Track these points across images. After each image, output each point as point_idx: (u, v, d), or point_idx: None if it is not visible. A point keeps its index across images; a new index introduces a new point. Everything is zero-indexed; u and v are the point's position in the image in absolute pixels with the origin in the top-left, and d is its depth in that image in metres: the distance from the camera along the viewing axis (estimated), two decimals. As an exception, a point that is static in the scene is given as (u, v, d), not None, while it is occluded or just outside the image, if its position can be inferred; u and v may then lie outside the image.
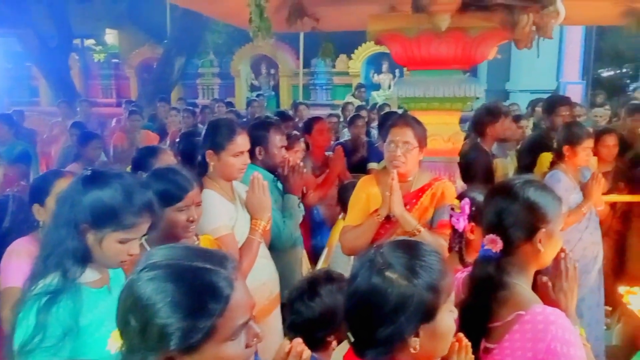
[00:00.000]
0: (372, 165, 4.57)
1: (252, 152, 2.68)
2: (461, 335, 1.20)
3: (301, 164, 2.91)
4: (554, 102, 4.52)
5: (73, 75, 11.77)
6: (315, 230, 3.88)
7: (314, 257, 3.68)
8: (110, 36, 17.81)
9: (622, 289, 2.94)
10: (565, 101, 4.56)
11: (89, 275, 1.44)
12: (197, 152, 2.54)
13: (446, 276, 1.13)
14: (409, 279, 1.09)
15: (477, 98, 3.30)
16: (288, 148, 3.26)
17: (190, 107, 7.42)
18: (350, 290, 1.14)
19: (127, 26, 14.90)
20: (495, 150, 4.58)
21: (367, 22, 3.21)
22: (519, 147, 4.90)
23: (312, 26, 3.61)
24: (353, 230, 2.50)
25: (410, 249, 1.15)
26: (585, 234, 3.41)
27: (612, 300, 3.83)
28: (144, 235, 1.47)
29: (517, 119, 5.38)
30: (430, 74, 3.23)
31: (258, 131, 2.90)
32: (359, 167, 4.57)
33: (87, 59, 13.80)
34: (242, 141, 2.42)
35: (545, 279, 1.52)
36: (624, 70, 16.08)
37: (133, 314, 0.94)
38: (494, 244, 1.40)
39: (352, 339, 1.13)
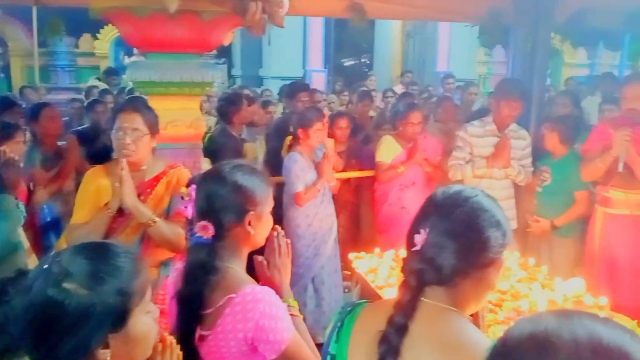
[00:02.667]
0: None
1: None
2: (165, 335, 1.16)
3: (16, 157, 2.53)
4: (294, 89, 4.84)
5: None
6: (47, 230, 3.46)
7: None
8: None
9: (351, 255, 3.29)
10: (304, 87, 4.92)
11: None
12: None
13: (138, 277, 1.07)
14: (90, 287, 1.00)
15: (224, 83, 3.29)
16: (6, 138, 2.83)
17: None
18: (25, 304, 1.00)
19: None
20: (245, 134, 4.72)
21: (92, -2, 2.93)
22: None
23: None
24: (82, 228, 2.28)
25: (95, 253, 1.06)
26: (320, 208, 3.74)
27: (350, 265, 4.31)
28: None
29: (265, 104, 5.62)
30: (166, 57, 3.12)
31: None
32: (102, 157, 4.21)
33: None
34: None
35: (260, 258, 1.58)
36: (362, 60, 18.17)
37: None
38: (206, 231, 1.39)
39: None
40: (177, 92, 3.17)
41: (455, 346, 1.07)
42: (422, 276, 1.12)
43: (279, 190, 3.89)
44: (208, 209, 1.42)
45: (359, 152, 4.73)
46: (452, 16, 5.15)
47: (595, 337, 0.62)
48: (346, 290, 4.31)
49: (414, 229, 1.16)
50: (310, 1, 4.00)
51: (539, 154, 3.85)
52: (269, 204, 1.52)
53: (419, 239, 1.13)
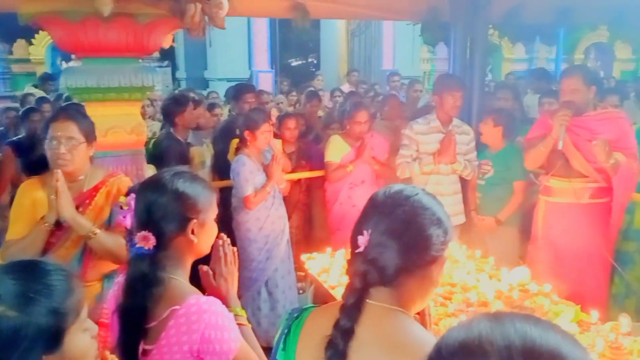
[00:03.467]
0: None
1: None
2: (106, 354, 1.11)
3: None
4: (239, 90, 4.78)
5: None
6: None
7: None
8: None
9: (304, 256, 3.27)
10: (250, 89, 4.86)
11: None
12: None
13: (72, 294, 1.02)
14: (20, 309, 0.94)
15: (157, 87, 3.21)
16: None
17: None
18: None
19: None
20: (192, 138, 4.62)
21: (20, 3, 2.79)
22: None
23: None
24: (17, 244, 2.17)
25: (24, 272, 1.00)
26: (271, 210, 3.71)
27: (303, 266, 4.30)
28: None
29: (211, 107, 5.53)
30: (103, 62, 3.00)
31: None
32: (39, 168, 4.02)
33: None
34: None
35: (205, 267, 1.54)
36: (310, 59, 18.22)
37: None
38: (146, 241, 1.34)
39: None
40: (116, 98, 3.06)
41: (402, 347, 1.07)
42: (366, 278, 1.12)
43: (228, 194, 3.84)
44: (148, 219, 1.37)
45: (308, 152, 4.72)
46: (393, 15, 5.22)
47: (528, 340, 0.61)
48: (301, 291, 4.30)
49: (357, 231, 1.16)
50: (252, 2, 3.96)
51: (477, 148, 3.96)
52: (213, 211, 1.48)
53: (362, 240, 1.13)
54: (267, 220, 3.69)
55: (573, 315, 2.36)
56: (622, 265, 3.61)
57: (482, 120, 3.91)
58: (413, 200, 1.15)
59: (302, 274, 4.41)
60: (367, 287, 1.12)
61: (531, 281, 2.75)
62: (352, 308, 1.10)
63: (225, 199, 3.99)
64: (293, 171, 4.42)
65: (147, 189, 1.41)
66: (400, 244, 1.11)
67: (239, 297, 3.96)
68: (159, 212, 1.37)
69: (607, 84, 7.91)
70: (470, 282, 2.76)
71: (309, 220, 4.84)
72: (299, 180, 4.60)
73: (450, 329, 0.69)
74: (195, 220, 1.41)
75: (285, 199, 4.02)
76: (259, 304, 3.77)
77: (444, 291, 2.66)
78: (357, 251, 1.14)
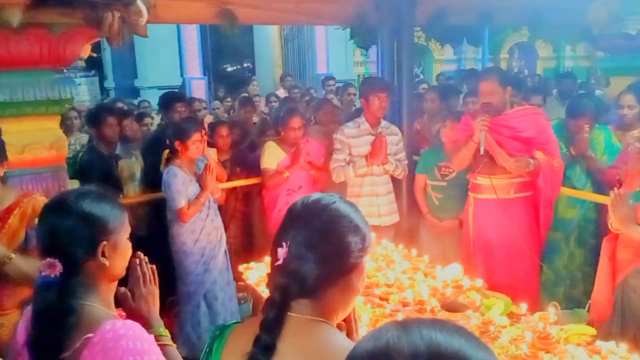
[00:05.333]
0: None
1: None
2: None
3: None
4: (169, 99, 4.66)
5: None
6: None
7: None
8: None
9: (241, 267, 3.22)
10: (179, 97, 4.75)
11: None
12: None
13: None
14: None
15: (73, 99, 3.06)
16: None
17: None
18: None
19: None
20: (120, 150, 4.45)
21: None
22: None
23: None
24: None
25: None
26: (207, 222, 3.63)
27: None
28: None
29: (140, 116, 5.35)
30: (16, 76, 2.83)
31: None
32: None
33: None
34: None
35: (123, 289, 1.47)
36: (245, 65, 18.05)
37: None
38: (52, 268, 1.25)
39: None
40: (32, 112, 2.89)
41: (324, 357, 1.05)
42: (286, 290, 1.10)
43: (162, 207, 3.72)
44: (52, 244, 1.29)
45: (243, 160, 4.66)
46: (322, 20, 5.24)
47: (434, 346, 0.63)
48: (242, 301, 4.23)
49: (276, 243, 1.14)
50: (177, 9, 3.86)
51: (417, 149, 4.03)
52: (125, 231, 1.40)
53: (281, 252, 1.11)
54: (202, 231, 3.60)
55: (503, 308, 2.44)
56: (550, 254, 3.78)
57: (443, 124, 3.95)
58: (330, 209, 1.14)
59: (243, 283, 4.35)
60: (287, 300, 1.10)
61: (464, 277, 2.82)
62: (273, 322, 1.07)
63: (159, 212, 3.87)
64: (228, 180, 4.35)
65: (49, 212, 1.33)
66: (319, 253, 1.10)
67: (178, 312, 3.86)
68: (65, 236, 1.28)
69: (531, 82, 8.28)
70: (406, 282, 2.79)
71: (247, 229, 4.77)
72: (235, 188, 4.53)
73: (361, 340, 0.70)
74: (105, 242, 1.33)
75: (221, 208, 3.94)
76: (199, 318, 3.68)
77: (380, 292, 2.68)
78: (276, 264, 1.12)
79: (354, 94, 6.57)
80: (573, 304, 3.74)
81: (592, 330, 2.22)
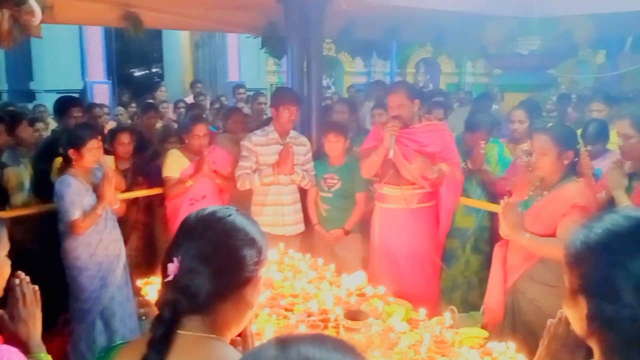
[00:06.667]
0: None
1: None
2: None
3: None
4: (64, 104, 4.38)
5: None
6: None
7: None
8: None
9: (140, 282, 3.05)
10: (75, 102, 4.48)
11: None
12: None
13: None
14: None
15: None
16: None
17: None
18: None
19: None
20: (6, 158, 4.10)
21: None
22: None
23: None
24: None
25: None
26: (104, 234, 3.42)
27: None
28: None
29: (32, 122, 4.97)
30: None
31: None
32: None
33: None
34: None
35: (0, 311, 1.33)
36: (154, 69, 17.44)
37: None
38: None
39: None
40: None
41: None
42: (176, 307, 1.05)
43: (53, 219, 3.47)
44: None
45: (145, 168, 4.47)
46: (232, 27, 5.20)
47: None
48: (144, 317, 4.03)
49: (167, 259, 1.08)
50: (75, 10, 3.65)
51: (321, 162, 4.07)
52: (3, 248, 1.28)
53: (172, 268, 1.06)
54: (99, 245, 3.39)
55: (404, 314, 2.50)
56: (447, 261, 3.96)
57: (325, 136, 4.00)
58: (225, 222, 1.10)
59: (143, 299, 4.15)
60: (177, 317, 1.05)
61: (368, 285, 2.87)
62: (160, 341, 1.02)
63: (50, 225, 3.60)
64: (129, 189, 4.15)
65: None
66: (211, 268, 1.06)
67: (72, 330, 3.60)
68: None
69: (434, 97, 8.70)
70: (312, 291, 2.79)
71: (149, 241, 4.58)
72: (137, 199, 4.33)
73: (242, 357, 0.69)
74: None
75: (121, 220, 3.73)
76: (94, 336, 3.45)
77: (286, 302, 2.66)
78: (166, 280, 1.06)
79: (265, 103, 6.55)
80: (470, 307, 3.95)
81: (485, 333, 2.34)
